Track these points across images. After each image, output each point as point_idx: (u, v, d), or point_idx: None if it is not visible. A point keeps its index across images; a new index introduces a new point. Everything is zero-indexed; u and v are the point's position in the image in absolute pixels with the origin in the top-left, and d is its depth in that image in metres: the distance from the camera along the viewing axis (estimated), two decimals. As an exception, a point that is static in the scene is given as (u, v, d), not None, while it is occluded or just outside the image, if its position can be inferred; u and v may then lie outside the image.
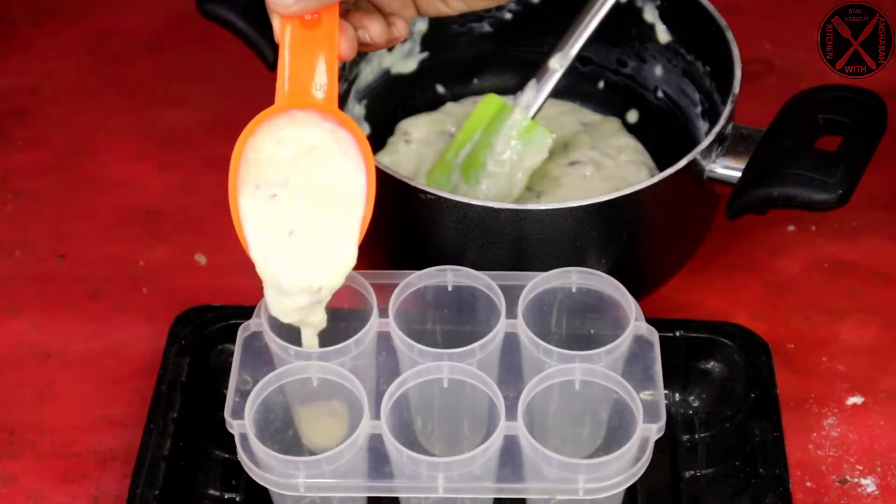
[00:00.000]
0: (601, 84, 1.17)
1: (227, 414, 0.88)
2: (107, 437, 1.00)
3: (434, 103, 1.17)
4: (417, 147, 1.13)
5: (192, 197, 1.16)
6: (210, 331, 1.01)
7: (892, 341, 1.06)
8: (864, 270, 1.11)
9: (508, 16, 1.16)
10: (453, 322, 0.96)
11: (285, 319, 0.89)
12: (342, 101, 1.10)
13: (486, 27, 1.17)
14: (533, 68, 1.07)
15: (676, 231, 1.03)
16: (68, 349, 1.06)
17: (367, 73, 1.13)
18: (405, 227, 1.00)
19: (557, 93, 1.08)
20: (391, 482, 0.87)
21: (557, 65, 1.06)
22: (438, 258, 0.95)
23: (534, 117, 1.07)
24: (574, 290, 0.94)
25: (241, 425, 0.88)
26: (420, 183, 0.97)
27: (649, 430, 0.87)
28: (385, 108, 1.15)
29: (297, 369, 0.90)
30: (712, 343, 1.00)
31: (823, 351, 1.05)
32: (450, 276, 0.94)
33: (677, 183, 0.98)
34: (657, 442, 0.87)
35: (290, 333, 0.91)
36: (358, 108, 1.13)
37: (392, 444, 0.86)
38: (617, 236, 0.99)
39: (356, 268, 0.90)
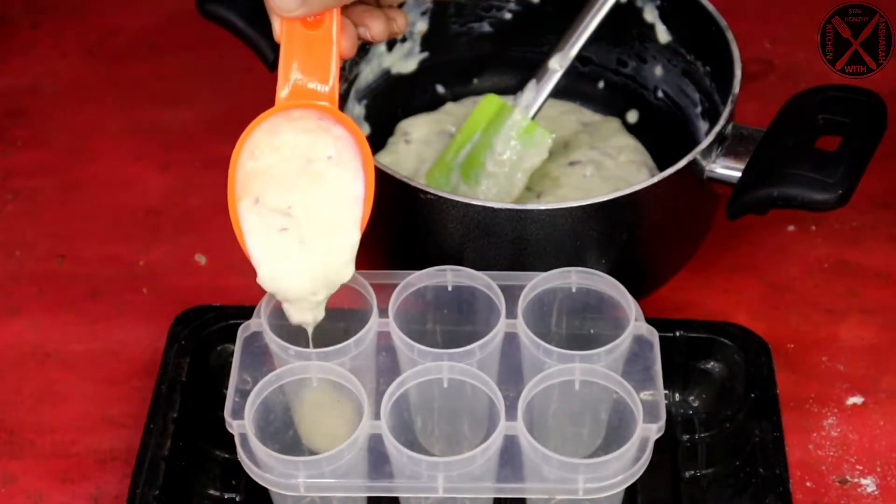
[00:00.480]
0: (601, 84, 1.17)
1: (227, 414, 0.88)
2: (107, 437, 1.00)
3: (434, 103, 1.17)
4: (417, 147, 1.13)
5: (192, 197, 1.16)
6: (210, 331, 1.01)
7: (892, 341, 1.06)
8: (864, 270, 1.11)
9: (508, 16, 1.16)
10: (453, 322, 0.96)
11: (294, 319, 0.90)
12: (342, 101, 1.10)
13: (486, 27, 1.17)
14: (533, 68, 1.07)
15: (676, 231, 1.03)
16: (68, 349, 1.06)
17: (367, 73, 1.13)
18: (405, 227, 1.00)
19: (557, 93, 1.08)
20: (391, 482, 0.87)
21: (557, 65, 1.06)
22: (438, 258, 0.95)
23: (534, 117, 1.07)
24: (574, 290, 0.94)
25: (241, 425, 0.88)
26: (420, 183, 0.97)
27: (649, 430, 0.87)
28: (385, 108, 1.15)
29: (297, 369, 0.90)
30: (712, 343, 1.00)
31: (823, 351, 1.05)
32: (450, 276, 0.94)
33: (677, 183, 0.98)
34: (657, 442, 0.87)
35: (290, 333, 0.91)
36: (358, 108, 1.13)
37: (392, 444, 0.86)
38: (617, 236, 0.99)
39: (356, 268, 0.90)
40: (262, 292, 0.90)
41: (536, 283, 0.93)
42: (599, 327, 0.95)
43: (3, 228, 1.14)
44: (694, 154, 0.98)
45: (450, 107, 1.16)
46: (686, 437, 0.99)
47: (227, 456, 0.97)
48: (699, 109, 1.10)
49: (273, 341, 0.91)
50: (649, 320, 0.92)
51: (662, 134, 1.14)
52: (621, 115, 1.16)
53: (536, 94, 1.07)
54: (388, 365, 0.92)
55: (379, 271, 0.94)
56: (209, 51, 1.27)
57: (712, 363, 1.01)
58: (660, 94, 1.14)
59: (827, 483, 0.98)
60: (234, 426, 0.88)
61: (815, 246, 1.12)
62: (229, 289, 1.07)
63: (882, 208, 1.14)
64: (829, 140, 0.97)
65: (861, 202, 1.09)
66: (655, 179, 0.97)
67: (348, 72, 1.11)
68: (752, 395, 0.97)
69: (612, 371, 0.89)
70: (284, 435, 0.93)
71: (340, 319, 0.92)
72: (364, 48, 1.11)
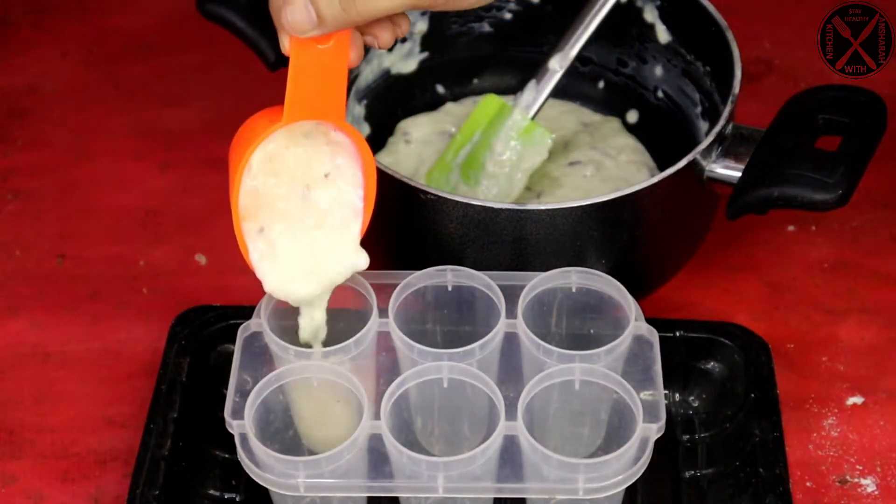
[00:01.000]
0: (601, 84, 1.17)
1: (227, 414, 0.88)
2: (107, 437, 1.00)
3: (434, 103, 1.17)
4: (417, 147, 1.13)
5: (192, 197, 1.16)
6: (210, 331, 1.01)
7: (892, 341, 1.06)
8: (864, 270, 1.11)
9: (508, 16, 1.16)
10: (453, 322, 0.96)
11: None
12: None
13: (486, 27, 1.17)
14: (533, 68, 1.07)
15: (676, 231, 1.03)
16: (68, 349, 1.06)
17: (367, 73, 1.13)
18: (405, 227, 1.00)
19: (557, 93, 1.08)
20: (391, 482, 0.87)
21: (557, 65, 1.06)
22: (438, 258, 0.95)
23: (534, 118, 1.07)
24: (574, 290, 0.94)
25: (241, 425, 0.88)
26: (420, 183, 0.97)
27: (649, 430, 0.87)
28: (385, 108, 1.15)
29: (297, 369, 0.90)
30: (712, 343, 1.00)
31: (823, 351, 1.05)
32: (450, 276, 0.94)
33: (677, 183, 0.98)
34: (657, 442, 0.87)
35: (290, 333, 0.91)
36: (358, 108, 1.13)
37: (392, 444, 0.86)
38: (617, 236, 0.99)
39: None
40: (262, 292, 0.91)
41: (536, 283, 0.93)
42: (599, 327, 0.95)
43: (3, 228, 1.14)
44: (694, 154, 0.98)
45: (450, 107, 1.16)
46: (686, 437, 0.99)
47: (227, 456, 0.97)
48: (699, 109, 1.10)
49: (273, 341, 0.91)
50: (649, 320, 0.92)
51: (662, 134, 1.14)
52: (621, 115, 1.16)
53: (536, 94, 1.07)
54: (388, 365, 0.92)
55: (379, 271, 0.94)
56: (209, 51, 1.27)
57: (712, 363, 1.01)
58: (660, 94, 1.14)
59: (827, 483, 0.97)
60: (234, 426, 0.88)
61: (815, 246, 1.12)
62: (229, 289, 1.07)
63: (882, 208, 1.14)
64: (829, 140, 0.97)
65: (861, 202, 1.09)
66: (655, 179, 0.97)
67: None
68: (752, 395, 0.97)
69: (612, 371, 0.89)
70: (284, 435, 0.93)
71: (340, 319, 0.92)
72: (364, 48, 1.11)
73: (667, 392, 0.98)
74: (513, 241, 0.97)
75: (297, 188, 0.89)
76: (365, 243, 0.90)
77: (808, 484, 0.97)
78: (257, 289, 0.90)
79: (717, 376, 1.00)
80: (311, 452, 0.93)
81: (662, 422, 0.87)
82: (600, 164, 1.10)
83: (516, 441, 0.87)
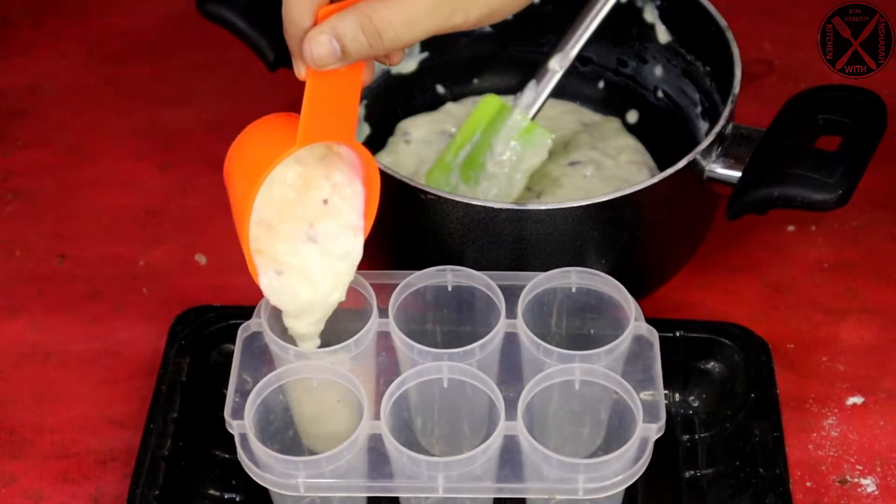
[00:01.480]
0: (601, 84, 1.17)
1: (227, 414, 0.88)
2: (107, 437, 1.00)
3: (434, 103, 1.17)
4: (417, 147, 1.13)
5: (192, 197, 1.16)
6: (210, 331, 1.01)
7: (892, 341, 1.06)
8: (864, 270, 1.11)
9: (508, 16, 1.16)
10: (453, 322, 0.96)
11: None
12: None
13: (486, 27, 1.17)
14: (533, 68, 1.07)
15: (676, 231, 1.03)
16: (68, 349, 1.06)
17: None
18: (405, 227, 1.00)
19: (557, 93, 1.08)
20: (391, 482, 0.87)
21: (557, 66, 1.06)
22: (438, 258, 0.95)
23: (534, 118, 1.07)
24: (574, 290, 0.94)
25: (241, 425, 0.88)
26: (420, 183, 0.97)
27: (649, 430, 0.87)
28: (385, 108, 1.15)
29: (297, 369, 0.90)
30: (712, 343, 1.00)
31: (823, 351, 1.05)
32: (450, 276, 0.94)
33: (677, 183, 0.98)
34: (657, 442, 0.87)
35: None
36: (358, 109, 1.13)
37: (392, 444, 0.86)
38: (617, 236, 0.99)
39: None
40: (262, 293, 0.90)
41: (536, 283, 0.93)
42: (599, 327, 0.95)
43: (3, 228, 1.14)
44: (694, 154, 0.98)
45: (450, 107, 1.16)
46: (686, 437, 0.99)
47: (227, 456, 0.97)
48: (699, 109, 1.10)
49: (273, 341, 0.91)
50: (649, 320, 0.92)
51: (662, 134, 1.14)
52: (621, 115, 1.16)
53: (536, 94, 1.07)
54: (388, 365, 0.92)
55: (379, 271, 0.94)
56: (209, 51, 1.27)
57: (712, 363, 1.01)
58: (660, 94, 1.15)
59: (827, 483, 0.97)
60: (234, 426, 0.88)
61: (815, 246, 1.12)
62: (229, 289, 1.07)
63: (882, 208, 1.14)
64: (829, 140, 0.97)
65: (861, 202, 1.09)
66: (655, 179, 0.97)
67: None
68: (752, 395, 0.97)
69: (612, 371, 0.89)
70: (284, 435, 0.93)
71: (340, 319, 0.92)
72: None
73: (667, 392, 0.98)
74: (513, 241, 0.97)
75: (301, 228, 0.88)
76: (365, 243, 0.90)
77: (808, 484, 0.97)
78: (257, 289, 0.90)
79: (717, 376, 1.00)
80: (311, 452, 0.93)
81: (662, 422, 0.87)
82: (600, 164, 1.10)
83: (516, 441, 0.87)
